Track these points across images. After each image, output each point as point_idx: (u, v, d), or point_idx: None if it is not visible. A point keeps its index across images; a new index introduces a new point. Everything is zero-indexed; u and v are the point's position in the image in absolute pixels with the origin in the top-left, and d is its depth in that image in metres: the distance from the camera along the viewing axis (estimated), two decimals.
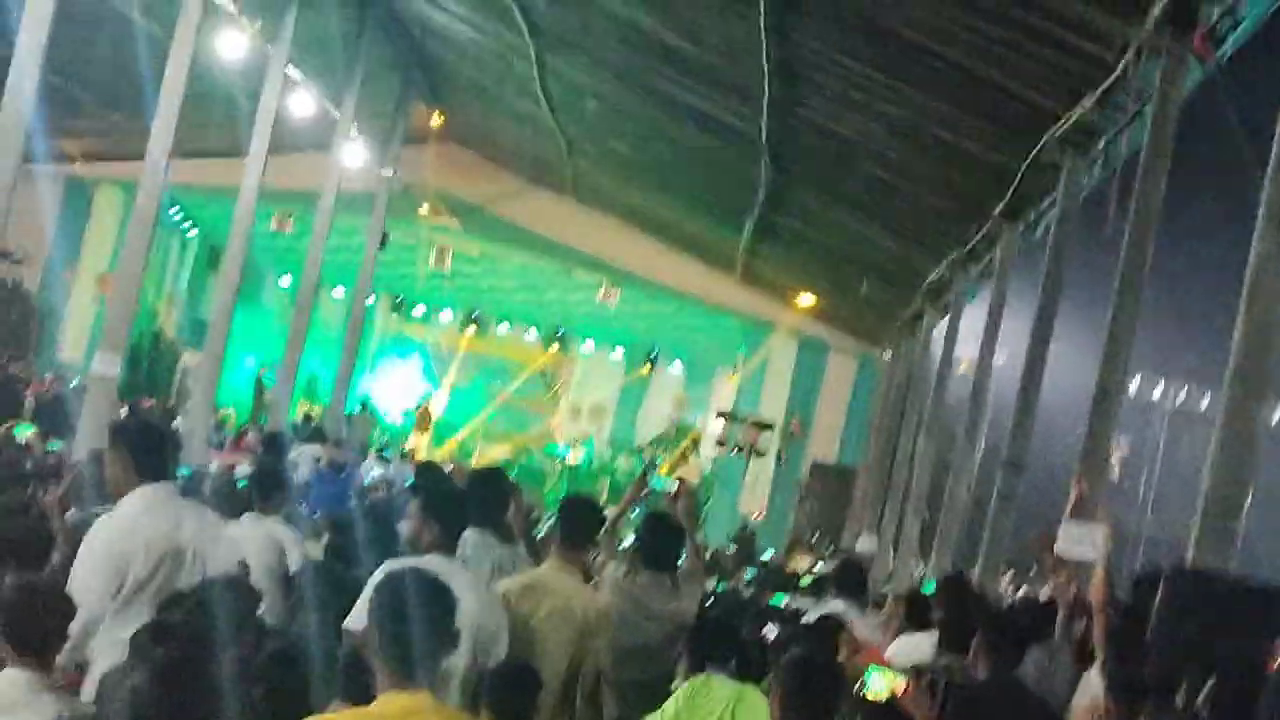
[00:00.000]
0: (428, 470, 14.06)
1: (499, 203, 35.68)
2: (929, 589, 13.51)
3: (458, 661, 7.16)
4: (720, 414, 34.73)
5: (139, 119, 23.72)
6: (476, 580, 7.87)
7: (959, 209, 18.92)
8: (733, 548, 25.22)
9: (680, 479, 13.17)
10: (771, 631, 9.76)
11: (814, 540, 30.19)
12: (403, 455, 32.23)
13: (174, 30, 21.06)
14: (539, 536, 13.68)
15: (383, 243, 32.74)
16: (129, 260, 21.14)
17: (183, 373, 37.14)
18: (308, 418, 32.64)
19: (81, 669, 7.20)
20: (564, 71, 23.55)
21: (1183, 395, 41.97)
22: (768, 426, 33.27)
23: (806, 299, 32.42)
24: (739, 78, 18.58)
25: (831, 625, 9.53)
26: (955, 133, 16.26)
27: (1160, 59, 10.99)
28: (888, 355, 31.71)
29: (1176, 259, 24.64)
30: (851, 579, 12.18)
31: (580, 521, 8.67)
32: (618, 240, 34.66)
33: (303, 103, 26.80)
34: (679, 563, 9.46)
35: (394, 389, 43.55)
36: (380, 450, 31.03)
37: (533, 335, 44.25)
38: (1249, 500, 7.92)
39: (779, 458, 34.17)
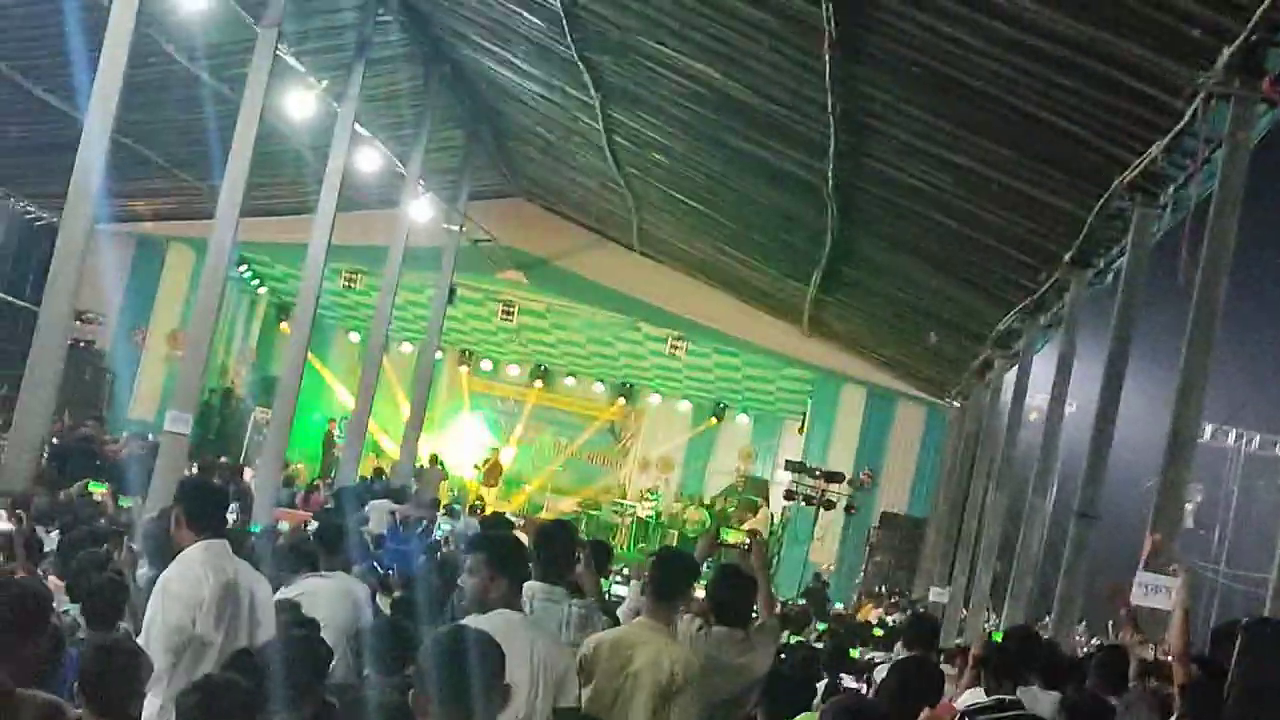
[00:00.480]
0: (495, 524, 14.06)
1: (566, 257, 35.76)
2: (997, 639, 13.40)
3: (536, 704, 7.17)
4: (788, 465, 34.59)
5: (208, 178, 23.97)
6: (540, 626, 7.83)
7: (1027, 257, 18.84)
8: (803, 600, 25.08)
9: (751, 531, 13.12)
10: (849, 684, 9.69)
11: (883, 592, 30.03)
12: (471, 509, 32.28)
13: (242, 90, 21.27)
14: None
15: (450, 298, 32.87)
16: (199, 318, 21.31)
17: (253, 429, 37.32)
18: (378, 472, 32.70)
19: None
20: (630, 126, 23.61)
21: (1256, 442, 41.48)
22: (837, 478, 33.12)
23: (875, 350, 32.33)
24: (805, 129, 18.60)
25: None
26: (1023, 181, 16.20)
27: (1229, 104, 10.93)
28: (957, 405, 31.55)
29: (1248, 305, 24.43)
30: (922, 631, 12.10)
31: (672, 575, 8.61)
32: (685, 293, 34.67)
33: (370, 160, 27.00)
34: (752, 616, 9.39)
35: (462, 443, 43.60)
36: (449, 505, 31.07)
37: (600, 388, 44.24)
38: None
39: (848, 509, 34.01)
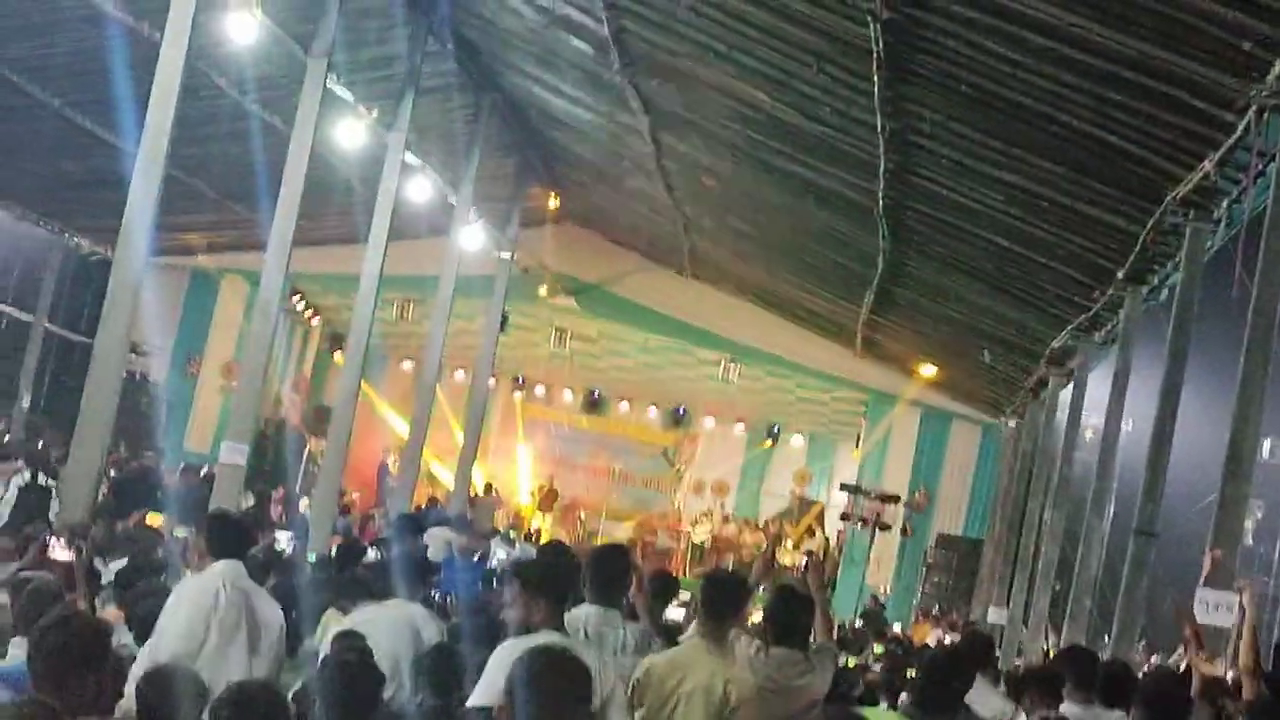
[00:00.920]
0: (553, 552, 14.06)
1: (617, 281, 35.79)
2: None
3: None
4: (844, 487, 34.50)
5: (260, 209, 24.07)
6: (587, 646, 7.84)
7: (1081, 275, 18.76)
8: (860, 622, 25.00)
9: (809, 553, 13.10)
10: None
11: (939, 613, 29.91)
12: (527, 537, 32.30)
13: (292, 120, 21.38)
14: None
15: (503, 325, 32.94)
16: (253, 349, 21.42)
17: (308, 459, 37.44)
18: (433, 501, 32.75)
19: None
20: (680, 149, 23.63)
21: None
22: (892, 499, 33.01)
23: (928, 369, 32.23)
24: (854, 150, 18.57)
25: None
26: (1075, 198, 16.14)
27: None
28: (1012, 424, 31.41)
29: None
30: (980, 652, 12.03)
31: (723, 596, 8.59)
32: (737, 315, 34.66)
33: (421, 188, 27.09)
34: (810, 637, 9.37)
35: (517, 470, 43.62)
36: (505, 532, 31.09)
37: (654, 413, 44.23)
38: None
39: (904, 530, 33.89)
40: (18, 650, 7.30)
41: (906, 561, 34.62)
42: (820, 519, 39.57)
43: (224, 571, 8.83)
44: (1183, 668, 10.90)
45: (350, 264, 26.49)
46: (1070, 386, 22.55)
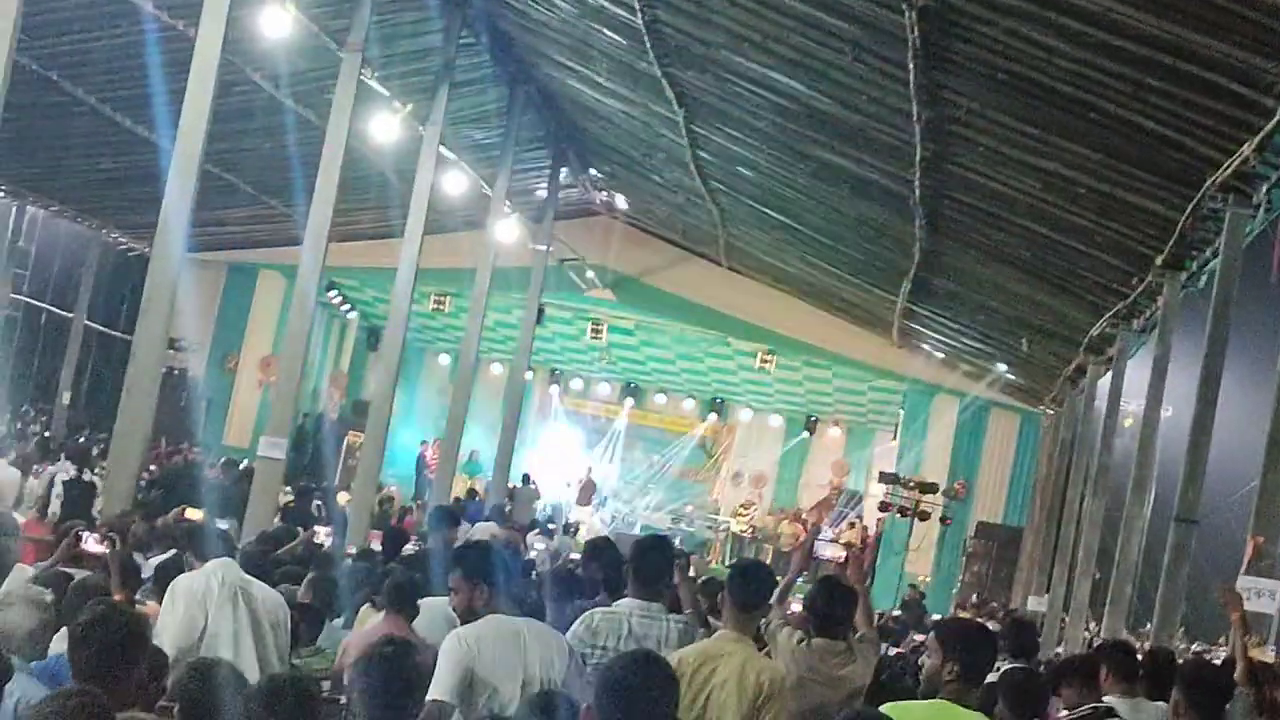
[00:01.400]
0: (599, 546, 14.15)
1: (653, 273, 35.80)
2: None
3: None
4: (883, 477, 34.44)
5: (296, 204, 24.16)
6: (533, 626, 8.00)
7: (1119, 262, 18.67)
8: (900, 612, 24.94)
9: (848, 544, 13.08)
10: None
11: (978, 602, 29.83)
12: (565, 529, 32.31)
13: (327, 115, 21.42)
14: None
15: (539, 317, 32.93)
16: (290, 344, 21.49)
17: (346, 453, 37.54)
18: (471, 493, 32.80)
19: None
20: (714, 140, 23.59)
21: None
22: (931, 488, 32.93)
23: (966, 358, 32.15)
24: (890, 139, 18.51)
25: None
26: (1113, 184, 16.05)
27: None
28: (1051, 412, 31.30)
29: None
30: (1023, 640, 11.97)
31: (752, 586, 8.57)
32: (773, 306, 34.61)
33: (456, 182, 27.13)
34: (851, 627, 9.36)
35: (554, 462, 43.64)
36: (544, 524, 31.10)
37: (691, 404, 44.25)
38: None
39: (944, 519, 33.80)
40: (59, 645, 7.33)
41: (946, 550, 34.56)
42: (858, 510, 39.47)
43: (216, 568, 9.06)
44: (1226, 655, 10.85)
45: (386, 258, 26.59)
46: (1109, 374, 22.45)
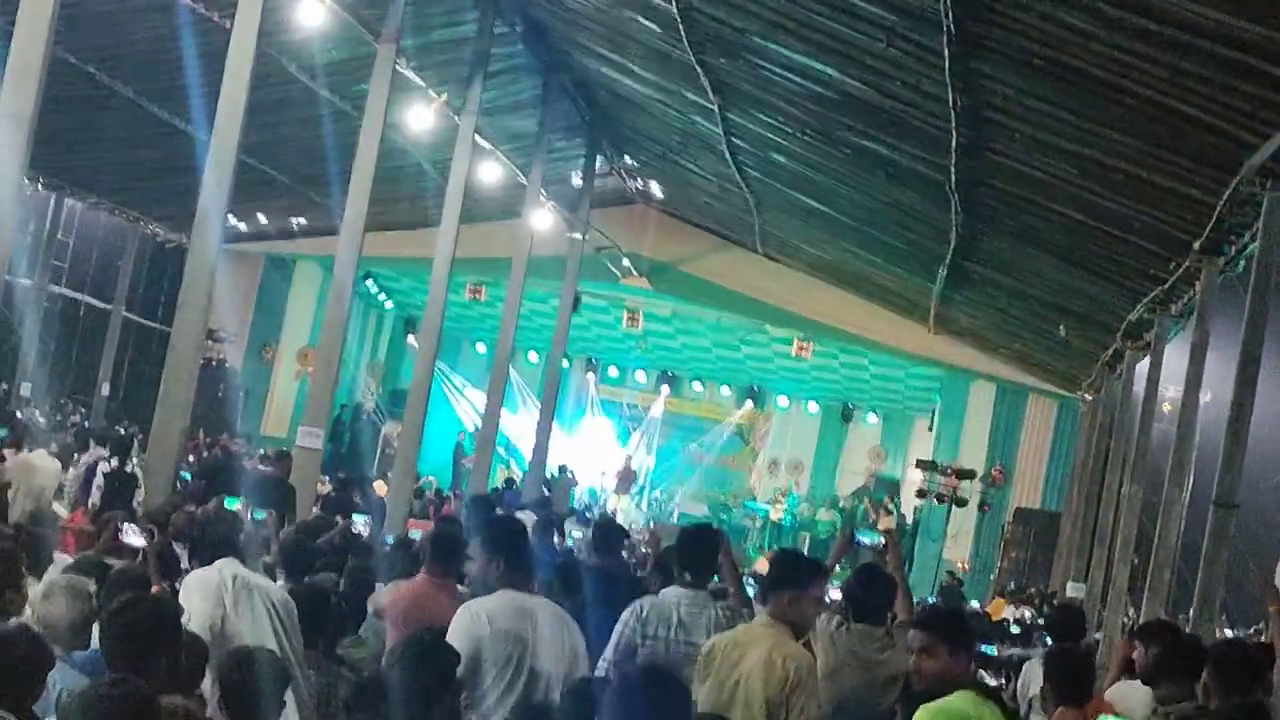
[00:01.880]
0: (608, 528, 14.35)
1: (689, 261, 35.79)
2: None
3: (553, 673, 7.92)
4: (920, 464, 34.40)
5: (332, 195, 24.24)
6: (545, 603, 8.31)
7: (1156, 247, 18.58)
8: (937, 598, 24.92)
9: (886, 531, 13.06)
10: (987, 679, 9.58)
11: (1014, 589, 29.77)
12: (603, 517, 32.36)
13: (363, 105, 21.49)
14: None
15: (575, 306, 32.98)
16: (328, 334, 21.57)
17: (384, 443, 37.67)
18: (509, 482, 32.90)
19: None
20: (749, 127, 23.57)
21: None
22: (969, 474, 32.88)
23: (1003, 344, 32.06)
24: (925, 125, 18.47)
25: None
26: (1149, 169, 15.98)
27: None
28: (1089, 398, 31.21)
29: None
30: (1069, 625, 11.99)
31: (791, 574, 8.59)
32: (809, 293, 34.55)
33: (492, 171, 27.22)
34: (890, 615, 9.39)
35: (592, 451, 43.72)
36: (582, 512, 31.16)
37: (727, 392, 44.28)
38: None
39: (981, 506, 33.75)
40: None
41: (984, 537, 34.53)
42: (895, 497, 39.40)
43: (223, 564, 9.20)
44: (1264, 640, 10.82)
45: (423, 248, 26.66)
46: (1147, 359, 22.37)
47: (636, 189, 35.20)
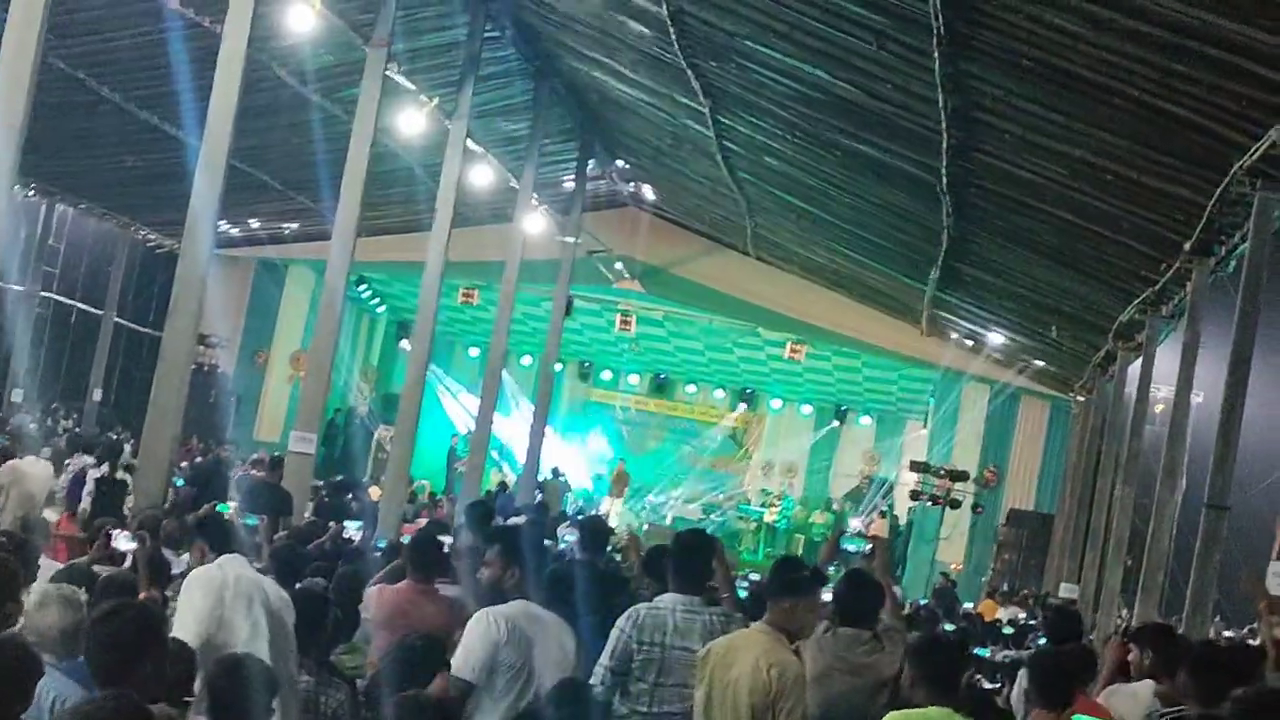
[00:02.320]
0: (596, 528, 14.32)
1: (681, 264, 35.78)
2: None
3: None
4: (913, 465, 34.41)
5: (323, 199, 24.24)
6: (552, 614, 8.40)
7: (1147, 248, 18.60)
8: (928, 600, 24.91)
9: (873, 537, 13.10)
10: (982, 683, 9.62)
11: (1007, 590, 29.79)
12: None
13: (353, 110, 21.49)
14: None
15: (568, 310, 32.97)
16: (320, 339, 21.57)
17: (377, 447, 37.66)
18: (502, 486, 32.88)
19: None
20: (740, 130, 23.59)
21: None
22: (961, 476, 32.88)
23: (994, 346, 32.06)
24: (916, 127, 18.48)
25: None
26: (1140, 170, 15.99)
27: None
28: (1081, 399, 31.23)
29: None
30: (1065, 627, 11.99)
31: (789, 581, 8.60)
32: (802, 296, 34.55)
33: (483, 175, 27.20)
34: (879, 619, 9.38)
35: (585, 454, 43.71)
36: (574, 516, 31.16)
37: (720, 395, 44.27)
38: None
39: (975, 507, 33.76)
40: None
41: (977, 539, 34.54)
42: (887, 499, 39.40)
43: (221, 561, 9.07)
44: (1255, 641, 10.80)
45: (415, 252, 26.64)
46: (1139, 360, 22.39)
47: (628, 192, 35.20)
